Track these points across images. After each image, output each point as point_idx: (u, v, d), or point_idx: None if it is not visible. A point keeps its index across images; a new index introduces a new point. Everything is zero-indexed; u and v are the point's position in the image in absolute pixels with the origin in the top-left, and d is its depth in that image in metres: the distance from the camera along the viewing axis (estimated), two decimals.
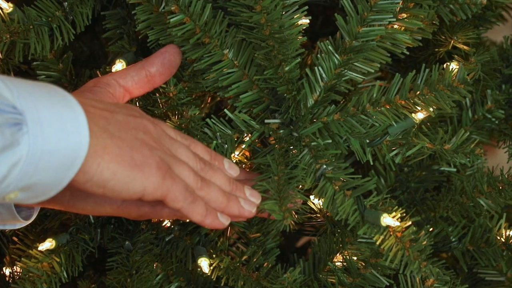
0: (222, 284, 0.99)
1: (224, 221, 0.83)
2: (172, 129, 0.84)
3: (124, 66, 0.94)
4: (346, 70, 0.93)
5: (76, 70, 1.04)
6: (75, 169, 0.69)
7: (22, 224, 0.86)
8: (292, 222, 0.85)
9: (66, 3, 0.98)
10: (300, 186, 0.89)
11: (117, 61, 0.95)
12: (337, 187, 0.89)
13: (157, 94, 0.94)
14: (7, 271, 1.04)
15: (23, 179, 0.67)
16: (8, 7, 0.94)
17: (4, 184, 0.66)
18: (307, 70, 0.92)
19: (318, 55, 0.93)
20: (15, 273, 1.02)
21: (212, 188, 0.82)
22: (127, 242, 1.01)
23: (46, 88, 0.70)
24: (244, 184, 0.88)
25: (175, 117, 0.94)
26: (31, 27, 0.95)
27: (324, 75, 0.92)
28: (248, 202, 0.86)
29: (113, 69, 0.94)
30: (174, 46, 0.91)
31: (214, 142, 0.92)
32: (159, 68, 0.89)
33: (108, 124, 0.74)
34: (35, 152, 0.66)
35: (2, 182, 0.66)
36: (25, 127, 0.66)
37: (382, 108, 0.91)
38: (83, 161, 0.70)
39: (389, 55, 0.93)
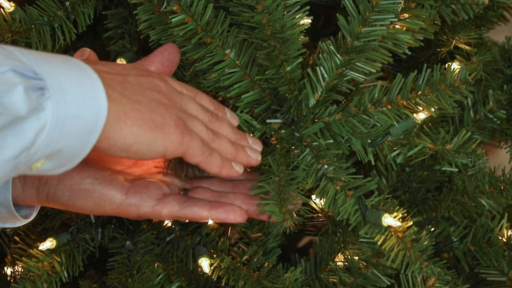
0: (223, 284, 0.99)
1: (239, 169, 0.85)
2: (177, 82, 0.85)
3: None
4: (347, 70, 0.93)
5: None
6: (97, 134, 0.70)
7: (22, 222, 0.86)
8: (292, 224, 0.85)
9: (68, 2, 0.98)
10: (301, 187, 0.89)
11: (118, 60, 0.95)
12: (338, 187, 0.89)
13: None
14: (8, 270, 1.04)
15: (49, 145, 0.67)
16: (10, 7, 0.94)
17: (32, 150, 0.66)
18: (309, 70, 0.92)
19: (320, 55, 0.93)
20: (16, 273, 1.02)
21: (222, 140, 0.85)
22: (128, 242, 1.01)
23: (61, 57, 0.70)
24: (245, 187, 0.89)
25: None
26: (32, 26, 0.95)
27: (325, 75, 0.92)
28: (253, 150, 0.88)
29: None
30: (173, 45, 0.91)
31: None
32: (158, 66, 0.89)
33: (124, 89, 0.75)
34: (59, 117, 0.66)
35: (30, 148, 0.66)
36: (47, 92, 0.66)
37: (384, 108, 0.91)
38: (103, 126, 0.70)
39: (390, 55, 0.93)
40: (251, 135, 0.91)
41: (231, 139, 0.87)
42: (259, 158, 0.88)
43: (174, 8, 0.87)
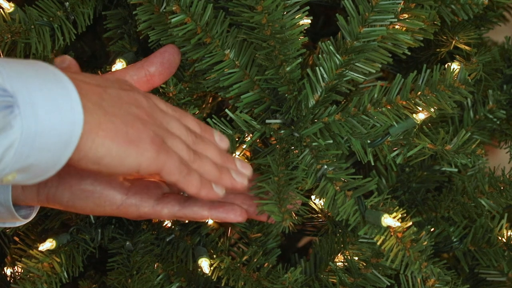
0: (222, 284, 0.99)
1: (219, 192, 0.82)
2: (163, 102, 0.84)
3: (124, 66, 0.94)
4: (347, 71, 0.93)
5: None
6: (73, 147, 0.69)
7: (21, 222, 0.86)
8: (292, 224, 0.85)
9: (68, 3, 0.98)
10: (300, 187, 0.89)
11: (117, 60, 0.95)
12: (338, 187, 0.89)
13: (157, 94, 0.94)
14: (8, 271, 1.04)
15: (18, 161, 0.67)
16: (9, 7, 0.94)
17: (0, 166, 0.66)
18: (308, 70, 0.92)
19: (319, 56, 0.93)
20: (16, 273, 1.02)
21: (205, 161, 0.82)
22: (127, 243, 1.01)
23: (35, 66, 0.70)
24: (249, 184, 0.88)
25: None
26: (32, 27, 0.95)
27: (325, 76, 0.92)
28: (240, 173, 0.85)
29: (113, 69, 0.94)
30: (174, 46, 0.91)
31: None
32: (158, 67, 0.89)
33: (102, 100, 0.73)
34: (29, 133, 0.66)
35: None
36: (16, 109, 0.66)
37: (383, 109, 0.91)
38: (79, 139, 0.69)
39: (390, 55, 0.93)
40: (241, 158, 0.88)
41: (216, 161, 0.84)
42: (245, 182, 0.85)
43: (173, 8, 0.87)
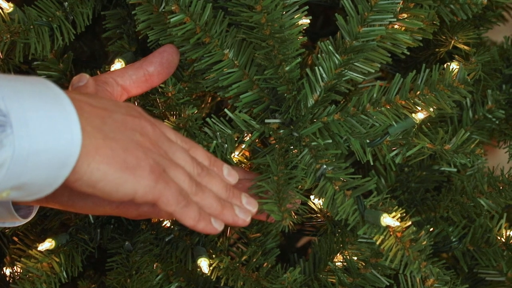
0: (222, 284, 0.99)
1: (218, 227, 0.81)
2: (173, 132, 0.83)
3: (123, 66, 0.94)
4: (346, 70, 0.93)
5: (77, 70, 1.03)
6: (69, 168, 0.69)
7: (21, 222, 0.86)
8: (291, 223, 0.85)
9: (67, 3, 0.98)
10: (300, 186, 0.89)
11: (116, 60, 0.95)
12: (337, 187, 0.89)
13: (156, 94, 0.94)
14: (7, 271, 1.04)
15: (11, 180, 0.67)
16: (8, 7, 0.94)
17: None
18: (308, 70, 0.92)
19: (319, 55, 0.93)
20: (15, 273, 1.02)
21: (207, 195, 0.81)
22: (127, 243, 1.01)
23: (36, 85, 0.70)
24: (244, 187, 0.88)
25: (173, 117, 0.94)
26: (31, 27, 0.95)
27: (324, 75, 0.92)
28: (244, 210, 0.84)
29: (112, 68, 0.94)
30: (173, 46, 0.91)
31: (214, 142, 0.92)
32: (157, 67, 0.89)
33: (104, 124, 0.73)
34: (21, 153, 0.66)
35: None
36: (9, 129, 0.66)
37: (382, 108, 0.91)
38: (76, 160, 0.69)
39: (389, 55, 0.93)
40: (247, 195, 0.87)
41: (221, 195, 0.83)
42: (248, 219, 0.84)
43: (172, 8, 0.87)
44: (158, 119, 0.83)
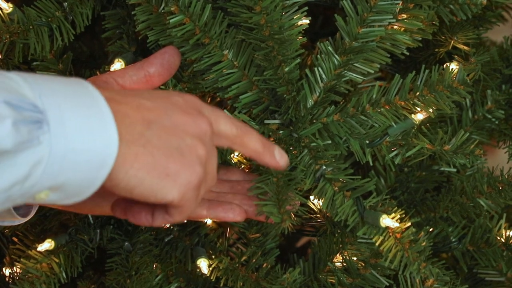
0: (221, 284, 0.99)
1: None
2: (229, 122, 0.79)
3: (123, 66, 0.94)
4: (345, 71, 0.93)
5: (76, 70, 1.03)
6: (108, 169, 0.68)
7: (20, 221, 0.86)
8: (291, 225, 0.85)
9: (66, 3, 0.98)
10: (299, 187, 0.89)
11: (116, 60, 0.94)
12: (336, 188, 0.89)
13: None
14: (7, 271, 1.04)
15: (48, 179, 0.66)
16: (7, 7, 0.94)
17: (28, 183, 0.65)
18: (307, 70, 0.92)
19: (318, 56, 0.93)
20: (15, 274, 1.02)
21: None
22: (126, 243, 1.01)
23: (73, 86, 0.69)
24: (243, 188, 0.89)
25: None
26: (30, 27, 0.95)
27: (323, 76, 0.92)
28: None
29: (112, 69, 0.94)
30: (174, 48, 0.91)
31: None
32: (158, 68, 0.89)
33: (147, 129, 0.72)
34: (58, 151, 0.65)
35: (24, 182, 0.65)
36: (45, 126, 0.64)
37: (382, 109, 0.91)
38: (114, 161, 0.68)
39: (389, 55, 0.93)
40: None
41: None
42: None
43: (172, 8, 0.87)
44: (216, 108, 0.80)
